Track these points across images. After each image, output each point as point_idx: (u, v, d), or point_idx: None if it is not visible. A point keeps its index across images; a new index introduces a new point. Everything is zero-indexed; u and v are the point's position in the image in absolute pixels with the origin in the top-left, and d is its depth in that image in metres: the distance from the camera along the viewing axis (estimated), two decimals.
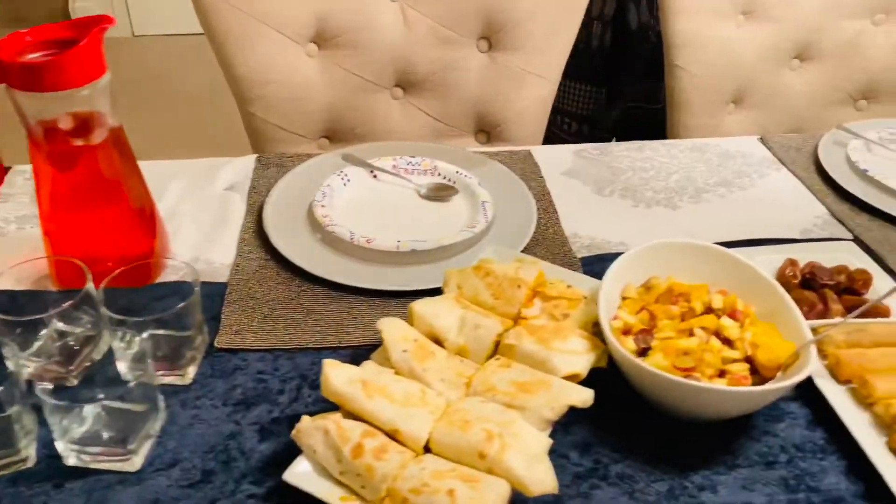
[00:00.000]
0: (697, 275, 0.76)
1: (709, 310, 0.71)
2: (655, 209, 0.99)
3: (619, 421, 0.68)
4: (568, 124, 1.58)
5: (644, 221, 0.96)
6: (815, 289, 0.79)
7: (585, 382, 0.66)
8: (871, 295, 0.80)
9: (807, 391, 0.71)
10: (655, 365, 0.66)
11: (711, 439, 0.66)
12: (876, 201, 0.99)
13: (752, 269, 0.74)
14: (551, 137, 1.65)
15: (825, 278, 0.79)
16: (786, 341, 0.68)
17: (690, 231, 0.94)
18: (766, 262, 0.84)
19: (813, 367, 0.63)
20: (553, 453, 0.65)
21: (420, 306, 0.71)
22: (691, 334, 0.69)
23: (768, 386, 0.62)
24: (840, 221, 0.97)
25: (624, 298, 0.75)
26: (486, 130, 1.24)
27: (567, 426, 0.67)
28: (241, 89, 1.12)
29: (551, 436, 0.65)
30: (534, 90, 1.19)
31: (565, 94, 1.55)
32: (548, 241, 0.91)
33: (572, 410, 0.63)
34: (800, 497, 0.62)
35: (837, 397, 0.69)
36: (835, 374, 0.72)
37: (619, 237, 0.92)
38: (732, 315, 0.70)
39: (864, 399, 0.69)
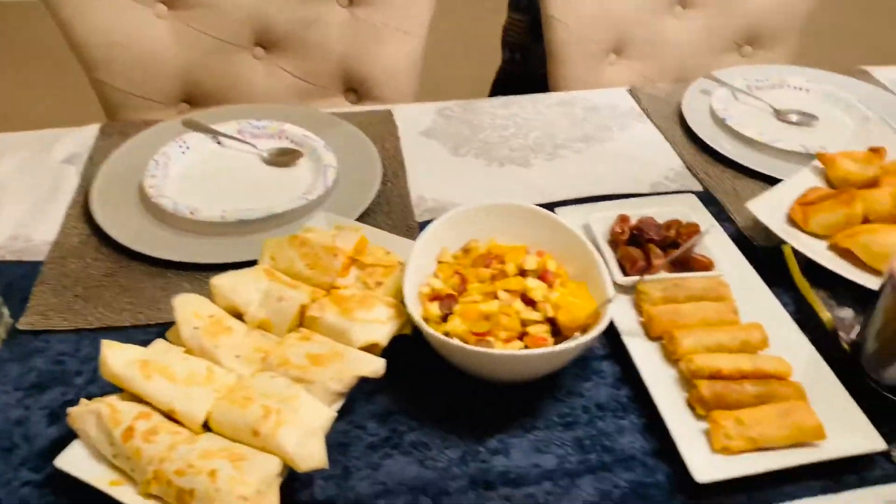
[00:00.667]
0: (519, 236, 0.75)
1: (523, 272, 0.70)
2: (508, 168, 0.97)
3: (423, 388, 0.67)
4: (510, 54, 1.55)
5: (494, 181, 0.94)
6: (640, 245, 0.78)
7: (390, 351, 0.65)
8: (700, 249, 0.79)
9: (619, 349, 0.70)
10: (452, 330, 0.65)
11: (515, 402, 0.66)
12: (731, 152, 0.98)
13: (566, 228, 0.73)
14: (501, 70, 1.62)
15: (651, 233, 0.79)
16: (590, 301, 0.68)
17: (540, 189, 0.92)
18: (603, 218, 0.83)
19: (605, 327, 0.63)
20: (350, 424, 0.64)
21: (219, 280, 0.69)
22: (497, 297, 0.68)
23: (545, 349, 0.62)
24: (693, 173, 0.96)
25: (440, 263, 0.73)
26: (355, 89, 1.20)
27: (370, 395, 0.66)
28: (83, 54, 1.06)
29: (351, 406, 0.65)
30: (399, 46, 1.15)
31: (507, 25, 1.51)
32: (391, 206, 0.89)
33: (376, 380, 0.62)
34: (591, 457, 0.62)
35: (645, 354, 0.69)
36: (648, 330, 0.71)
37: (467, 198, 0.90)
38: (543, 276, 0.69)
39: (671, 355, 0.69)
